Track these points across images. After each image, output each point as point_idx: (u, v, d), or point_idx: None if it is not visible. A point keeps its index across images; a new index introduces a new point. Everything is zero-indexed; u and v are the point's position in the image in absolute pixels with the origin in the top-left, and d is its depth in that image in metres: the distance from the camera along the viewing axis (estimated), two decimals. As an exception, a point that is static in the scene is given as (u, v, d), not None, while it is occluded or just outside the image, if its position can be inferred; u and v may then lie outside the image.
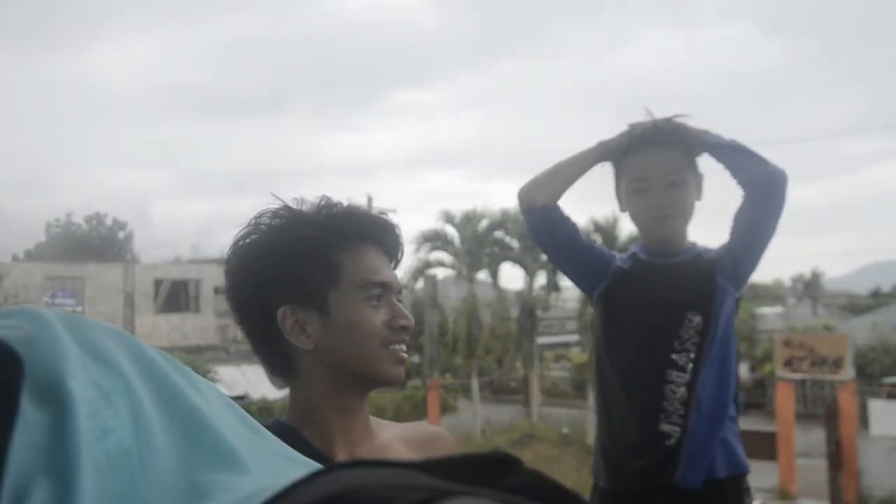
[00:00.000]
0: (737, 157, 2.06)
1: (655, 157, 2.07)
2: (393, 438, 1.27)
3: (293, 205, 1.23)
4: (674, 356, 2.00)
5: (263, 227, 1.21)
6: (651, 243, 2.14)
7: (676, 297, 2.04)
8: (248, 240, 1.21)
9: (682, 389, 1.98)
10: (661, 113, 2.17)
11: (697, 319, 2.01)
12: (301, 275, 1.18)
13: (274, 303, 1.18)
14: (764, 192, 2.03)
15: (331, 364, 1.20)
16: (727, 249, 2.08)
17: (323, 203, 1.23)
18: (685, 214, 2.09)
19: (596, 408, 2.18)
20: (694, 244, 2.14)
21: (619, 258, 2.16)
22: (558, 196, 2.15)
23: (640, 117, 2.14)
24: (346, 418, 1.21)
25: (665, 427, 1.98)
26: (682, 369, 1.99)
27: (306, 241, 1.19)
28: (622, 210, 2.18)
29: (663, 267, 2.09)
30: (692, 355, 2.00)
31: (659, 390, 1.99)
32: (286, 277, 1.18)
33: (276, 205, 1.22)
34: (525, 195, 2.16)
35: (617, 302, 2.11)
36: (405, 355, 1.24)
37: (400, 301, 1.26)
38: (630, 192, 2.11)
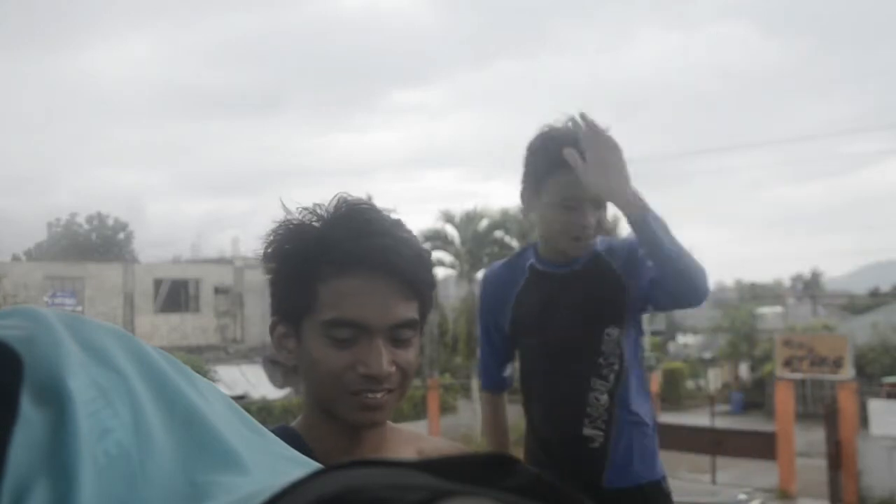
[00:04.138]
0: (658, 245, 1.86)
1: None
2: (414, 455, 1.20)
3: (306, 211, 1.13)
4: (597, 369, 2.02)
5: (272, 236, 1.15)
6: (556, 256, 2.09)
7: (589, 311, 2.04)
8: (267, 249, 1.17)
9: (605, 397, 2.02)
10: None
11: (615, 332, 2.03)
12: (284, 294, 1.14)
13: (273, 311, 1.17)
14: (676, 287, 1.90)
15: (307, 388, 1.17)
16: (640, 275, 1.99)
17: (331, 212, 1.12)
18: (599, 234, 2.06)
19: (524, 411, 2.25)
20: None
21: (506, 281, 2.17)
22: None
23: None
24: (347, 435, 1.15)
25: (588, 431, 2.03)
26: (606, 378, 2.03)
27: (292, 258, 1.12)
28: (526, 212, 2.14)
29: (565, 276, 2.07)
30: (615, 367, 2.03)
31: (583, 397, 2.03)
32: (275, 291, 1.16)
33: (296, 212, 1.14)
34: None
35: (524, 320, 2.11)
36: (378, 399, 1.10)
37: (405, 341, 1.11)
38: (557, 207, 2.00)
